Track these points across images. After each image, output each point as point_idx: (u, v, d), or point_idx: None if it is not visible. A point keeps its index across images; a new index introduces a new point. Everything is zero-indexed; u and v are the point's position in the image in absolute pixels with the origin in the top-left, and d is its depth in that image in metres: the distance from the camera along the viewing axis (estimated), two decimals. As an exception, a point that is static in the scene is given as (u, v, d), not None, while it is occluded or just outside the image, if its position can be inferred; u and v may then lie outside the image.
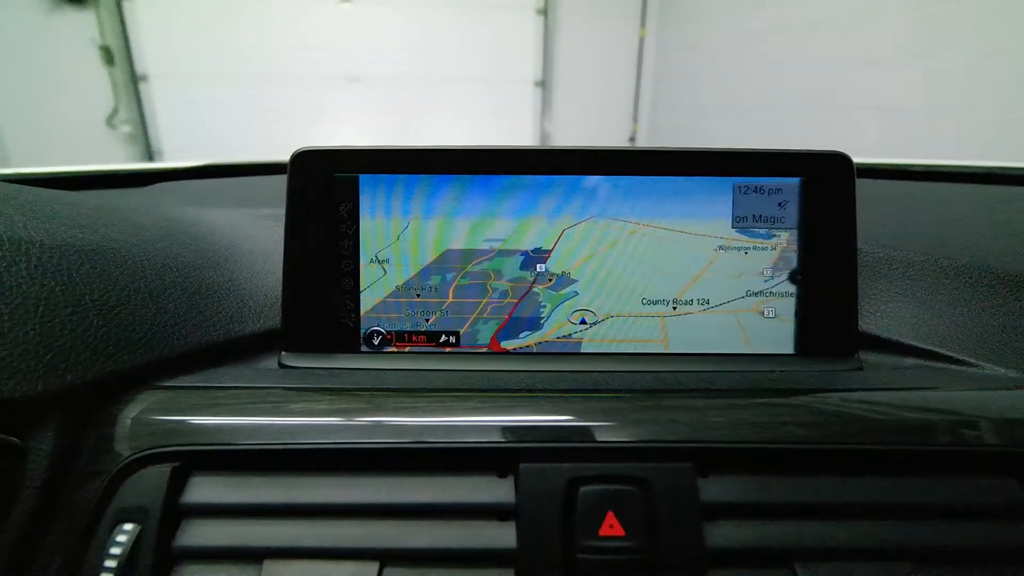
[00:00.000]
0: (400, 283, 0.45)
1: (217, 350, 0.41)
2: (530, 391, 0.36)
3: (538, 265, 0.44)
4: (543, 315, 0.45)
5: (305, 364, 0.42)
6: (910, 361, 0.44)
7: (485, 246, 0.44)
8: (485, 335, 0.45)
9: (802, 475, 0.32)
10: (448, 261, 0.45)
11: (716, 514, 0.31)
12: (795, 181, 0.44)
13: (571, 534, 0.30)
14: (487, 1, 4.47)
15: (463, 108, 4.65)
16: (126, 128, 4.55)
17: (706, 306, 0.45)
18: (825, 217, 0.44)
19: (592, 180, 0.44)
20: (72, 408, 0.33)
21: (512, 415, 0.33)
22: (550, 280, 0.45)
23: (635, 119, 5.00)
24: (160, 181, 0.78)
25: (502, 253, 0.45)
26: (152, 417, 0.34)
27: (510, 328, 0.45)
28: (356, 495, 0.32)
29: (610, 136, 4.99)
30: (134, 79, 4.44)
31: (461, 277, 0.45)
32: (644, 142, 4.87)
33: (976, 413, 0.34)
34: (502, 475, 0.32)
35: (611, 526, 0.30)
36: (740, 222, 0.44)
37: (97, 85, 4.35)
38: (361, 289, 0.44)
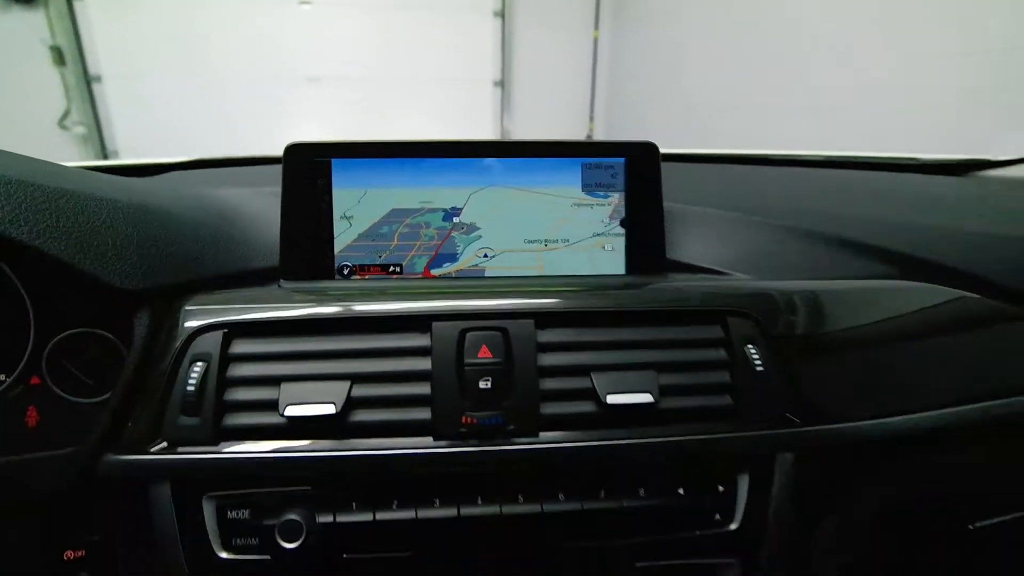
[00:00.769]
0: (361, 232, 0.66)
1: (236, 276, 0.62)
2: (444, 289, 0.58)
3: (455, 218, 0.67)
4: (459, 252, 0.67)
5: (298, 286, 0.64)
6: (698, 276, 0.69)
7: (419, 206, 0.67)
8: (419, 266, 0.67)
9: (602, 327, 0.56)
10: (394, 217, 0.66)
11: (546, 348, 0.54)
12: (621, 160, 0.67)
13: (461, 359, 0.53)
14: (446, 3, 4.65)
15: (424, 107, 4.82)
16: (80, 129, 4.52)
17: (567, 244, 0.68)
18: (641, 184, 0.67)
19: (490, 161, 0.67)
20: (158, 302, 0.54)
21: (430, 301, 0.56)
22: (463, 228, 0.67)
23: (591, 118, 5.27)
24: (161, 173, 0.97)
25: (431, 211, 0.67)
26: (209, 312, 0.55)
27: (437, 261, 0.67)
28: (336, 344, 0.54)
29: (568, 134, 5.24)
30: (87, 79, 4.45)
31: (402, 228, 0.67)
32: (601, 138, 5.14)
33: (707, 291, 0.59)
34: (423, 331, 0.54)
35: (485, 353, 0.53)
36: (587, 188, 0.68)
37: (48, 86, 4.34)
38: (335, 236, 0.66)
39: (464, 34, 4.75)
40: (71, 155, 4.41)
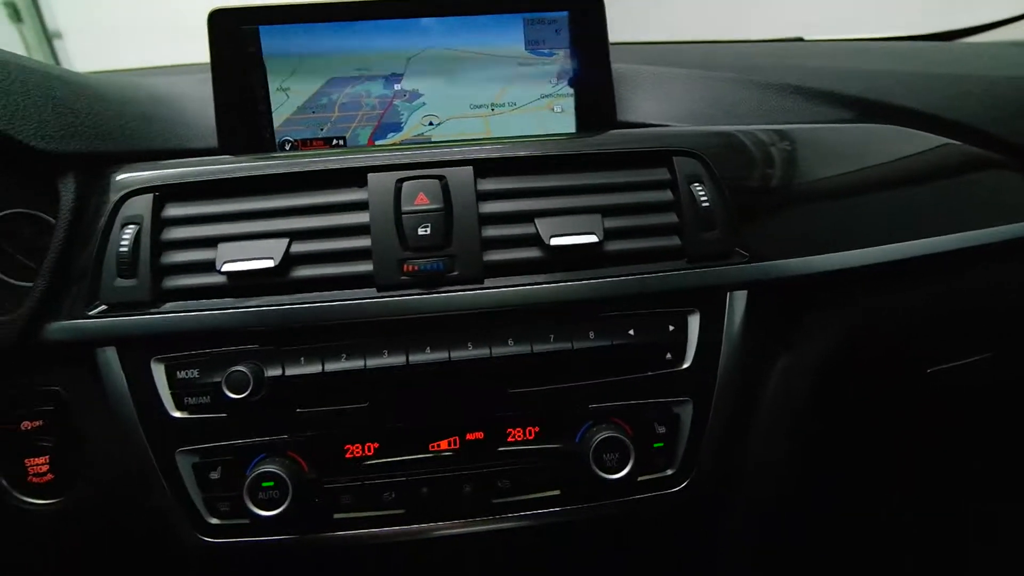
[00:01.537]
0: (299, 104, 0.64)
1: (170, 154, 0.60)
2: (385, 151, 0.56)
3: (396, 85, 0.64)
4: (403, 121, 0.65)
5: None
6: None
7: (356, 73, 0.64)
8: (363, 137, 0.65)
9: (543, 174, 0.55)
10: (332, 87, 0.64)
11: (487, 196, 0.53)
12: (564, 14, 0.64)
13: (399, 208, 0.52)
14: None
15: None
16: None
17: (514, 107, 0.66)
18: (587, 39, 0.64)
19: (428, 21, 0.63)
20: (84, 169, 0.52)
21: (367, 157, 0.54)
22: (405, 95, 0.65)
23: None
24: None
25: (370, 78, 0.64)
26: (138, 174, 0.53)
27: (381, 131, 0.65)
28: (272, 203, 0.52)
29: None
30: (47, 37, 4.27)
31: (342, 97, 0.64)
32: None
33: (651, 134, 0.57)
34: (360, 185, 0.53)
35: (422, 200, 0.52)
36: (531, 45, 0.65)
37: (8, 45, 4.17)
38: (273, 110, 0.64)
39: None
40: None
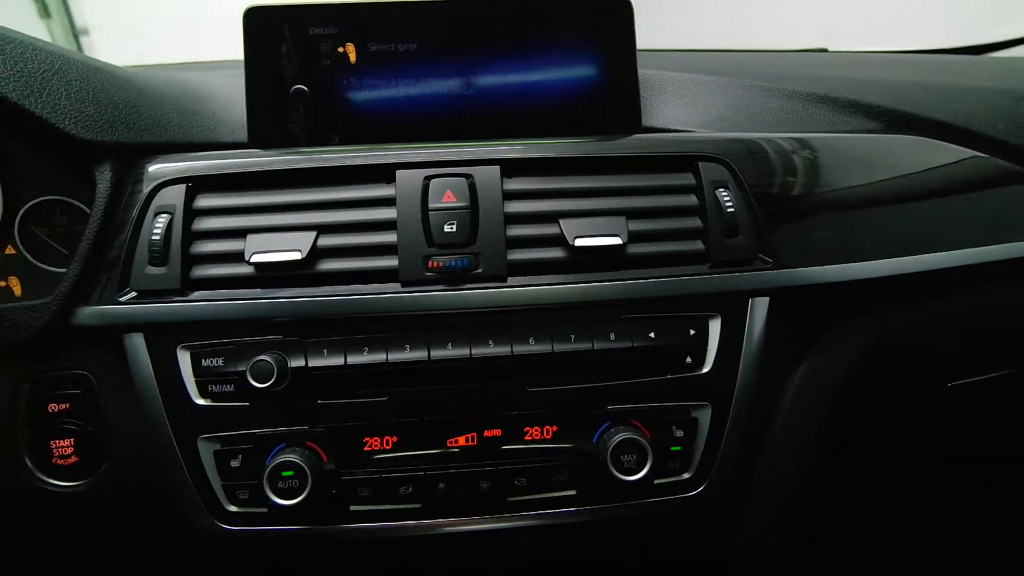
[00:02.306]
0: (328, 101, 0.65)
1: (202, 147, 0.61)
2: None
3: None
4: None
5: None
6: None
7: (385, 72, 0.65)
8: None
9: (570, 175, 0.55)
10: (361, 85, 0.65)
11: (513, 196, 0.54)
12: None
13: (426, 205, 0.52)
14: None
15: None
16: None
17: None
18: (615, 44, 0.65)
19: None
20: (120, 159, 0.54)
21: (394, 151, 0.55)
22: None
23: None
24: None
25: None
26: (172, 165, 0.54)
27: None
28: (301, 196, 0.53)
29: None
30: (74, 33, 4.35)
31: (371, 95, 0.65)
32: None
33: (678, 139, 0.57)
34: (388, 181, 0.54)
35: (449, 198, 0.52)
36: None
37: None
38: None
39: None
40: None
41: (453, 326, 0.52)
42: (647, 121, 0.68)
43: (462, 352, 0.52)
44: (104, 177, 0.53)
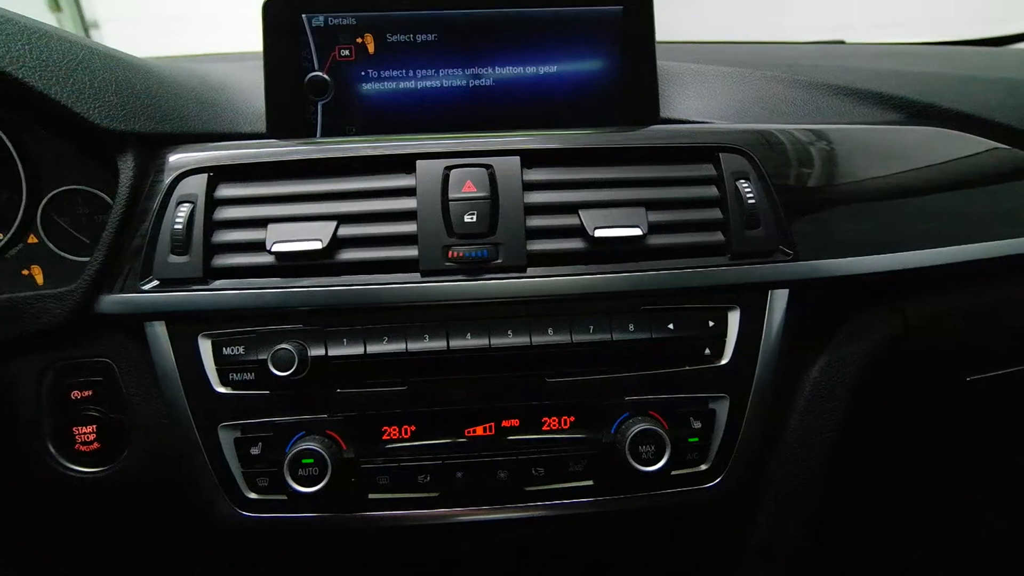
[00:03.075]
0: (346, 92, 0.65)
1: (222, 137, 0.61)
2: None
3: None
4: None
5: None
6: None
7: (403, 63, 0.65)
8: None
9: (589, 166, 0.55)
10: (378, 75, 0.65)
11: (533, 187, 0.54)
12: (617, 9, 0.64)
13: (446, 195, 0.52)
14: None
15: None
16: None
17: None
18: (634, 35, 0.64)
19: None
20: (142, 149, 0.54)
21: (415, 141, 0.55)
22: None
23: None
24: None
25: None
26: (194, 154, 0.54)
27: (424, 121, 0.66)
28: (321, 186, 0.53)
29: None
30: (84, 26, 4.36)
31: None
32: None
33: (698, 130, 0.57)
34: (408, 171, 0.54)
35: (469, 188, 0.52)
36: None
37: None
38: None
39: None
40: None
41: (472, 316, 0.52)
42: (665, 112, 0.68)
43: (481, 342, 0.52)
44: (127, 166, 0.53)
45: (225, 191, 0.54)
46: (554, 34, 0.63)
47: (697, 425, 0.54)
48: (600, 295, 0.53)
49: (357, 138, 0.60)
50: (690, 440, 0.54)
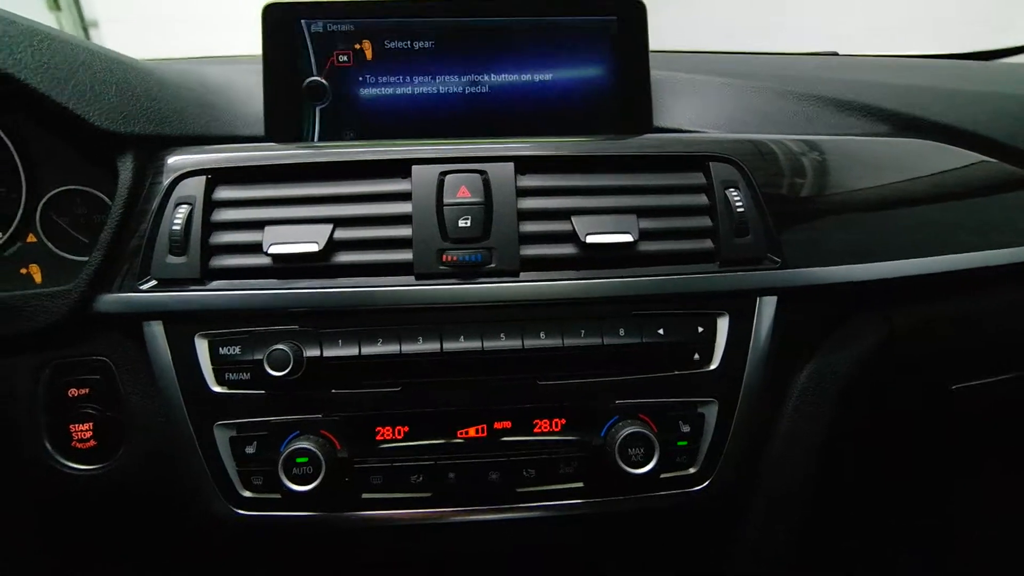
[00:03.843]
0: (344, 96, 0.66)
1: (221, 140, 0.62)
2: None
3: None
4: (443, 117, 0.67)
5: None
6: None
7: (401, 69, 0.66)
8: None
9: (582, 173, 0.56)
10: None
11: (526, 193, 0.55)
12: (611, 19, 0.65)
13: (441, 200, 0.53)
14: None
15: None
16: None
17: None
18: (628, 44, 0.65)
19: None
20: (141, 151, 0.55)
21: (410, 146, 0.56)
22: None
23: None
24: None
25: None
26: (192, 156, 0.55)
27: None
28: (318, 189, 0.54)
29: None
30: (83, 26, 4.35)
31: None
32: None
33: (689, 140, 0.58)
34: (404, 176, 0.55)
35: (464, 194, 0.53)
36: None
37: (46, 32, 4.24)
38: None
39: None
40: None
41: (466, 319, 0.53)
42: (658, 121, 0.69)
43: (474, 345, 0.53)
44: (126, 167, 0.54)
45: (223, 193, 0.54)
46: (549, 43, 0.65)
47: (686, 429, 0.55)
48: (591, 300, 0.54)
49: (354, 143, 0.61)
50: (679, 444, 0.55)
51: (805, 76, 0.73)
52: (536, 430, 0.55)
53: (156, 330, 0.53)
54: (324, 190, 0.55)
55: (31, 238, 0.60)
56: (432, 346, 0.53)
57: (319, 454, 0.50)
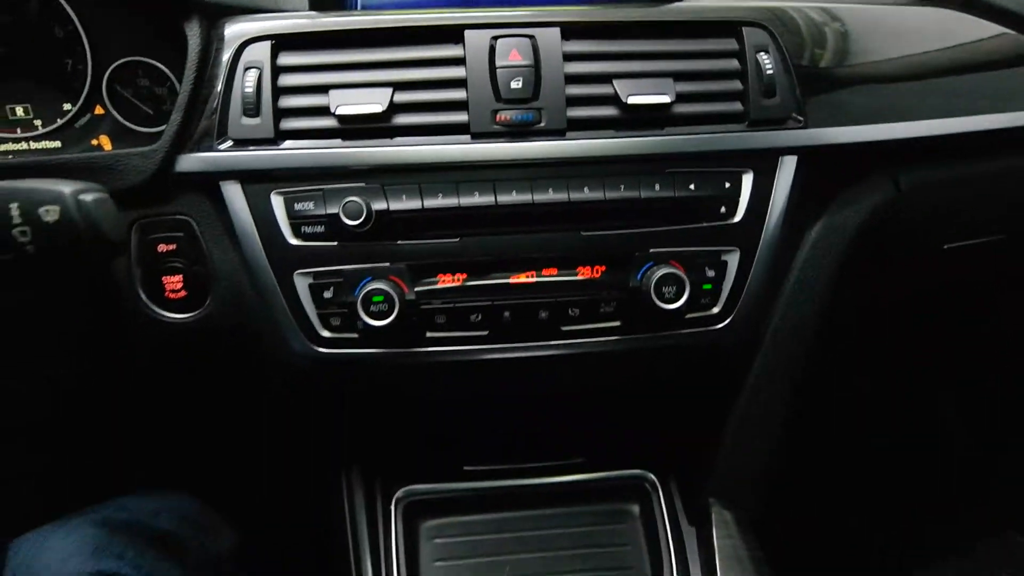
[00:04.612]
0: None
1: (270, 10, 0.64)
2: None
3: None
4: None
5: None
6: None
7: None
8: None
9: (623, 39, 0.60)
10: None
11: (572, 58, 0.58)
12: None
13: (493, 63, 0.57)
14: None
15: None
16: None
17: None
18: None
19: None
20: (204, 19, 0.57)
21: (463, 16, 0.59)
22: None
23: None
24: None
25: None
26: (255, 23, 0.58)
27: None
28: (377, 55, 0.58)
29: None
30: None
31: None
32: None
33: (724, 6, 0.62)
34: (457, 41, 0.58)
35: (515, 57, 0.57)
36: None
37: None
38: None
39: None
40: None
41: (517, 176, 0.59)
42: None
43: (525, 198, 0.58)
44: (194, 33, 0.57)
45: (288, 59, 0.58)
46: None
47: (711, 273, 0.63)
48: (631, 157, 0.59)
49: (402, 10, 0.63)
50: (704, 287, 0.63)
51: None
52: (580, 275, 0.62)
53: (234, 189, 0.58)
54: (383, 55, 0.58)
55: (99, 110, 0.64)
56: (487, 199, 0.58)
57: (392, 293, 0.57)
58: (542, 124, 0.58)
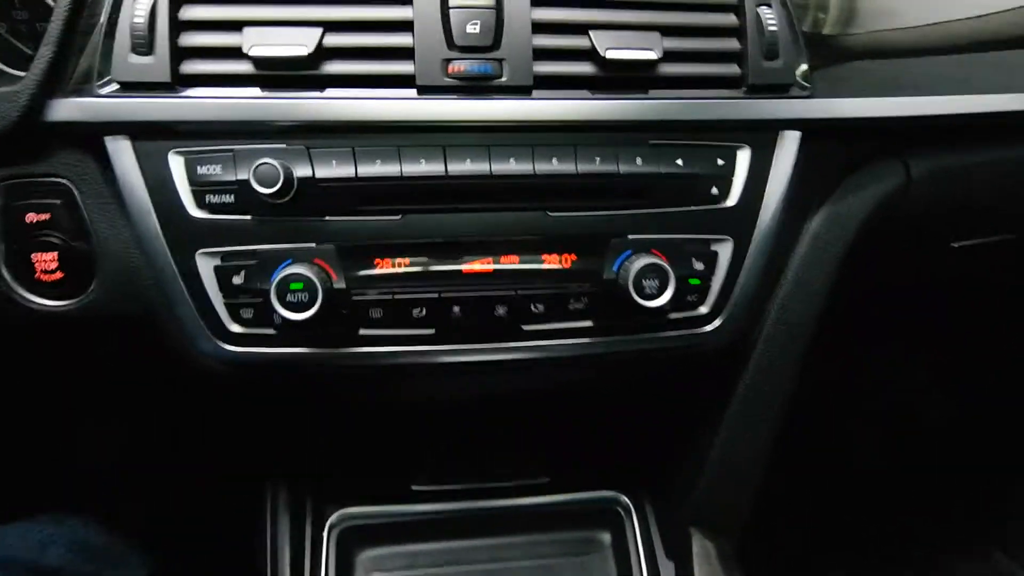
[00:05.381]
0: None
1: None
2: None
3: None
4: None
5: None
6: None
7: None
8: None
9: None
10: None
11: (541, 1, 0.49)
12: None
13: (445, 3, 0.47)
14: None
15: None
16: None
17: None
18: None
19: None
20: None
21: None
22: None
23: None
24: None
25: None
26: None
27: None
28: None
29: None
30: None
31: None
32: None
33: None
34: None
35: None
36: None
37: None
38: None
39: None
40: None
41: (472, 141, 0.49)
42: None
43: (481, 168, 0.48)
44: None
45: None
46: None
47: (699, 267, 0.53)
48: (609, 124, 0.50)
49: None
50: (691, 281, 0.54)
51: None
52: (546, 264, 0.52)
53: (122, 146, 0.47)
54: None
55: None
56: (435, 168, 0.48)
57: (315, 280, 0.46)
58: (503, 79, 0.48)
